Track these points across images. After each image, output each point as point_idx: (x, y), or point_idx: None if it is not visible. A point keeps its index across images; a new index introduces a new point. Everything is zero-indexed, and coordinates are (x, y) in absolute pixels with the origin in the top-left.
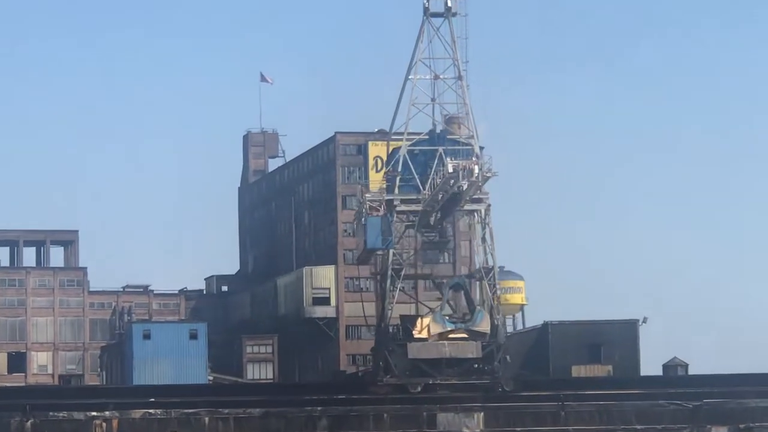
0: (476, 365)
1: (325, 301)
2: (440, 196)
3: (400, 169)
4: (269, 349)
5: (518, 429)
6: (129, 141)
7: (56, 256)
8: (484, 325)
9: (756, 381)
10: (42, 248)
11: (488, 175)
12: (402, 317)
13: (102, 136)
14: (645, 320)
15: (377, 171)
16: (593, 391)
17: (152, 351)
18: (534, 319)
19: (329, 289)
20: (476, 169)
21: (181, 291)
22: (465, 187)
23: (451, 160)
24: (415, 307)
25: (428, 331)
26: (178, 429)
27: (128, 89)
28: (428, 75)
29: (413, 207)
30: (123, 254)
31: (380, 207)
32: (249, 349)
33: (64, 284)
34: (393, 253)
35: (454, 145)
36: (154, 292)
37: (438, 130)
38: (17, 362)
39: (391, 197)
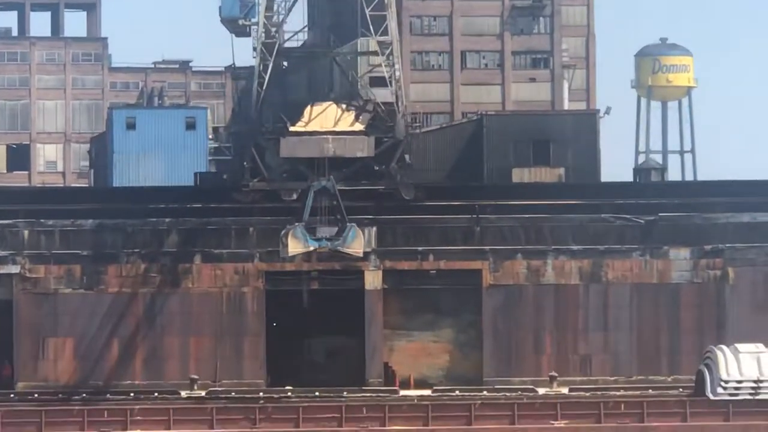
0: (375, 168)
1: (385, 81)
2: None
3: None
4: None
5: (420, 248)
6: None
7: (74, 23)
8: (356, 246)
9: (729, 190)
10: (57, 13)
11: None
12: (287, 103)
13: None
14: (608, 111)
15: None
16: (518, 201)
17: (137, 144)
18: (703, 107)
19: None
20: None
21: (228, 68)
22: None
23: None
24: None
25: (286, 248)
26: None
27: None
28: None
29: None
30: (156, 23)
31: None
32: None
33: (78, 59)
34: (265, 24)
35: None
36: (194, 69)
37: None
38: (20, 157)
39: None
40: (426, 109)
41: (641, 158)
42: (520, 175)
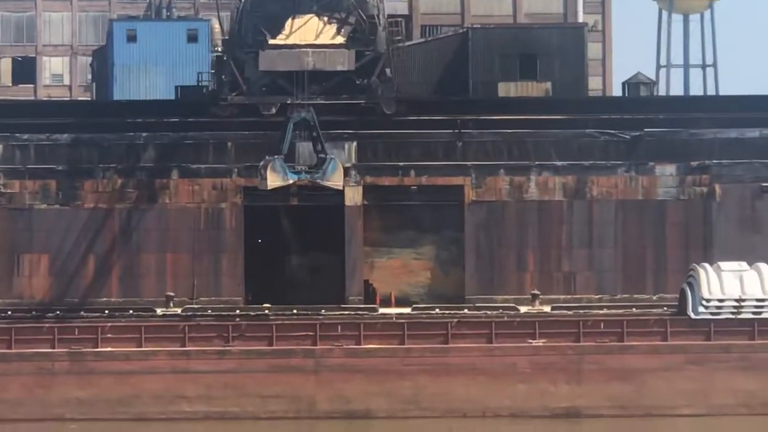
0: (357, 82)
1: None
2: None
3: None
4: None
5: (401, 163)
6: None
7: None
8: (336, 179)
9: (716, 105)
10: None
11: None
12: (268, 16)
13: None
14: (595, 26)
15: None
16: (501, 116)
17: (138, 56)
18: (726, 20)
19: None
20: None
21: None
22: None
23: None
24: None
25: (265, 181)
26: None
27: None
28: None
29: None
30: None
31: None
32: None
33: None
34: None
35: None
36: None
37: None
38: (25, 70)
39: None
40: (436, 21)
41: (662, 72)
42: (506, 89)
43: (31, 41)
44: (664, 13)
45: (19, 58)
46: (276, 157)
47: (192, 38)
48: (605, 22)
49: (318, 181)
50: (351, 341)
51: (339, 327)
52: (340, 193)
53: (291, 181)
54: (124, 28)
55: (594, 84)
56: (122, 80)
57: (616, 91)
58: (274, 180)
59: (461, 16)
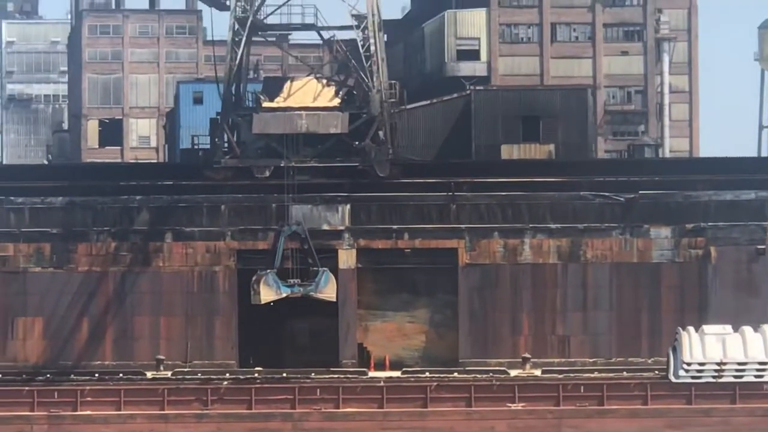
0: (355, 144)
1: (473, 54)
2: None
3: None
4: None
5: (395, 226)
6: None
7: None
8: (329, 291)
9: (712, 167)
10: None
11: None
12: (266, 79)
13: None
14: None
15: None
16: (496, 179)
17: (204, 118)
18: None
19: (479, 39)
20: None
21: (328, 41)
22: None
23: None
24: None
25: (258, 296)
26: None
27: None
28: None
29: None
30: None
31: None
32: None
33: (172, 31)
34: None
35: None
36: (291, 41)
37: None
38: (112, 132)
39: None
40: (515, 82)
41: (765, 133)
42: (509, 151)
43: (118, 103)
44: (767, 74)
45: (107, 120)
46: (268, 271)
47: None
48: (692, 83)
49: (311, 294)
50: (330, 405)
51: (318, 390)
52: (334, 257)
53: (284, 295)
54: (191, 90)
55: (679, 145)
56: (188, 142)
57: (704, 152)
58: (267, 294)
59: (540, 77)
